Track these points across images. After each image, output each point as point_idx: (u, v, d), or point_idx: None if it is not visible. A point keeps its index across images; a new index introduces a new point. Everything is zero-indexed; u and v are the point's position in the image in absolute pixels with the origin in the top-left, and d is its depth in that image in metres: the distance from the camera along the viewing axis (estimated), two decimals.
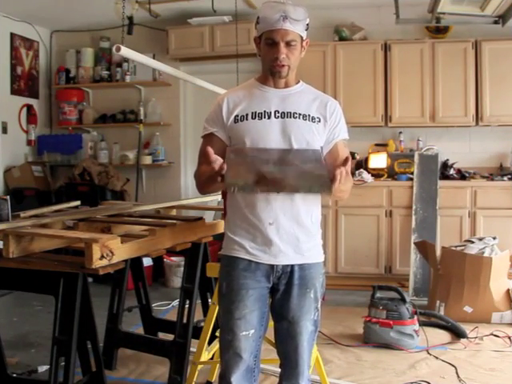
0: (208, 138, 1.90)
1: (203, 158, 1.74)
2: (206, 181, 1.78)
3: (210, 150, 1.62)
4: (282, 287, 1.86)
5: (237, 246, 1.85)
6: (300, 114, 1.84)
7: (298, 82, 1.93)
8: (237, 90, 1.95)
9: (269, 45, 1.80)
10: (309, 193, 1.75)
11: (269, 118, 1.82)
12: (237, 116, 1.85)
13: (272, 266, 1.83)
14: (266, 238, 1.81)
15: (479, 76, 4.97)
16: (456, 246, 4.19)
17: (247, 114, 1.84)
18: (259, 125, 1.82)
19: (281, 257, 1.82)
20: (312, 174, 1.66)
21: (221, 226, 2.92)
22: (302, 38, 1.83)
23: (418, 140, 5.28)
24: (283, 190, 1.69)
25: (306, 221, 1.84)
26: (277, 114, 1.83)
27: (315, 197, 1.84)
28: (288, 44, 1.78)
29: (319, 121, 1.86)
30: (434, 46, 5.07)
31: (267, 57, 1.83)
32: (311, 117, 1.85)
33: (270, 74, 1.85)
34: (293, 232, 1.82)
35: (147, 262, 4.75)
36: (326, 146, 1.89)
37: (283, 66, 1.81)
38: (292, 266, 1.84)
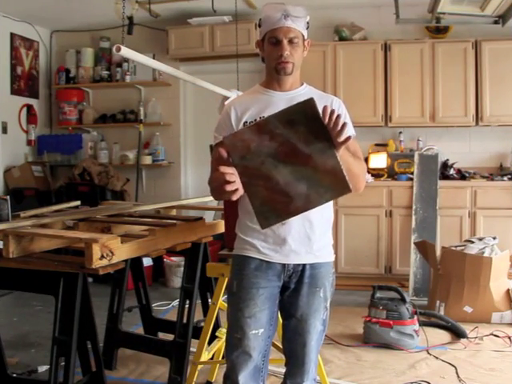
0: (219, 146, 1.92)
1: (216, 164, 1.74)
2: (220, 192, 1.67)
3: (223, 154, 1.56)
4: (293, 285, 1.88)
5: (248, 246, 1.87)
6: None
7: (302, 83, 1.96)
8: (242, 98, 2.01)
9: (272, 44, 1.84)
10: (335, 198, 1.66)
11: None
12: (246, 122, 1.86)
13: (283, 265, 1.86)
14: (279, 237, 1.83)
15: (479, 76, 4.97)
16: (456, 246, 4.19)
17: (256, 120, 1.84)
18: None
19: (292, 256, 1.84)
20: (330, 181, 1.57)
21: (221, 226, 2.92)
22: (303, 36, 1.88)
23: (418, 140, 5.28)
24: (313, 207, 1.62)
25: (318, 219, 1.85)
26: None
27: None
28: (291, 41, 1.83)
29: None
30: (434, 46, 5.07)
31: (271, 56, 1.86)
32: None
33: (276, 72, 1.87)
34: (304, 231, 1.84)
35: (147, 262, 4.75)
36: None
37: (288, 62, 1.85)
38: (303, 265, 1.86)
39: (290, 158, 1.58)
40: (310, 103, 1.56)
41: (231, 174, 1.55)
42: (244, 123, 1.86)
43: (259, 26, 1.89)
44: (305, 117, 1.56)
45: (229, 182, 1.54)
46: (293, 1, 1.86)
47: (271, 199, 1.58)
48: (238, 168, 1.57)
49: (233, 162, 1.57)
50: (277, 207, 1.59)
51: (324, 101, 1.91)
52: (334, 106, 1.90)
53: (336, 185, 1.57)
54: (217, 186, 1.62)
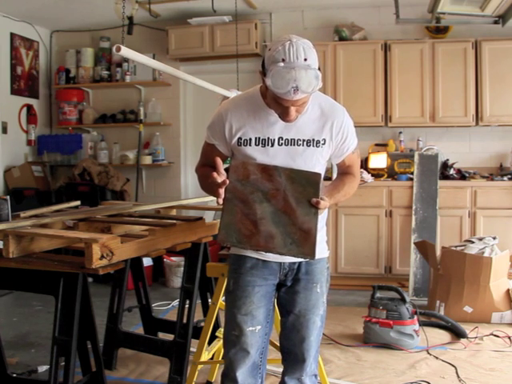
0: (209, 146, 1.95)
1: (205, 159, 1.95)
2: (207, 189, 1.90)
3: (219, 163, 1.74)
4: (289, 283, 1.91)
5: None
6: (304, 141, 1.83)
7: None
8: (241, 107, 1.86)
9: (277, 103, 1.72)
10: (295, 257, 1.80)
11: (272, 145, 1.82)
12: (240, 139, 1.84)
13: (279, 264, 1.88)
14: None
15: (479, 76, 4.97)
16: (456, 246, 4.19)
17: (251, 139, 1.83)
18: (263, 152, 1.83)
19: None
20: (300, 238, 1.73)
21: None
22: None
23: (418, 140, 5.28)
24: (272, 252, 1.76)
25: None
26: (280, 142, 1.82)
27: (321, 193, 1.82)
28: (299, 105, 1.73)
29: (324, 143, 1.85)
30: (434, 46, 5.06)
31: (275, 109, 1.77)
32: (315, 141, 1.84)
33: (278, 116, 1.79)
34: None
35: (147, 262, 4.75)
36: (335, 159, 1.96)
37: (291, 120, 1.77)
38: (299, 262, 1.89)
39: (278, 202, 1.75)
40: (316, 178, 1.79)
41: (219, 183, 1.69)
42: (238, 139, 1.84)
43: (264, 66, 1.72)
44: (307, 183, 1.77)
45: (219, 186, 1.71)
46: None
47: (241, 222, 1.72)
48: (229, 184, 1.73)
49: (228, 178, 1.73)
50: (242, 232, 1.72)
51: (325, 119, 1.85)
52: (336, 128, 1.85)
53: (304, 245, 1.73)
54: (209, 184, 1.77)
